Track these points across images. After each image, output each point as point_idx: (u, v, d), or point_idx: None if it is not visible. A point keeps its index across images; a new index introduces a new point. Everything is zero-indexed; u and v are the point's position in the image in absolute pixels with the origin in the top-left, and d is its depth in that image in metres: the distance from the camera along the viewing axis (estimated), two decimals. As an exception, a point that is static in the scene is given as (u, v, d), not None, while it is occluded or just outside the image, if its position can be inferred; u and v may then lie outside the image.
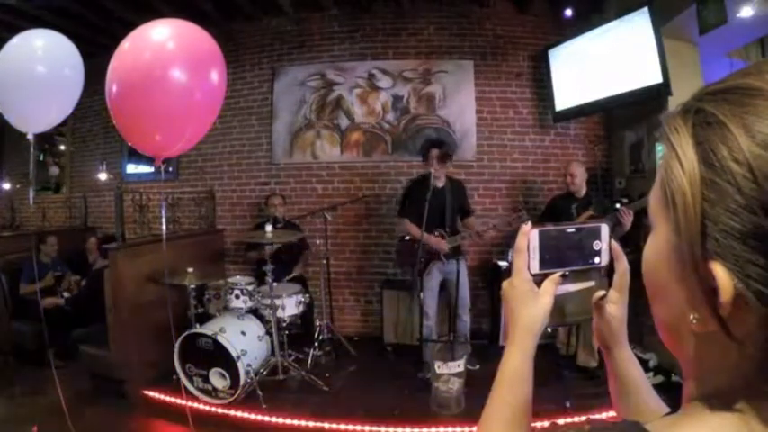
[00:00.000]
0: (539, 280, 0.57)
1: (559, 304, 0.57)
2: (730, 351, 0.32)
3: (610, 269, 0.59)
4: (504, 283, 0.58)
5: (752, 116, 0.29)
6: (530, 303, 0.56)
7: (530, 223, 0.57)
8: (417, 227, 3.34)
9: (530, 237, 0.56)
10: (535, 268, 0.56)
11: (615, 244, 0.57)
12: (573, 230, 0.58)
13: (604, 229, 0.58)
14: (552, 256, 0.57)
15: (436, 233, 3.17)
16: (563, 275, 0.57)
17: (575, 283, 0.58)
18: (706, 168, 0.31)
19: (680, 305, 0.34)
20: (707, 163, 0.31)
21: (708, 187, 0.30)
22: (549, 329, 0.56)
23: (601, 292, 0.58)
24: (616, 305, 0.58)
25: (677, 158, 0.32)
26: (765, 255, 0.28)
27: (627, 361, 0.59)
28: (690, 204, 0.31)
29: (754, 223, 0.28)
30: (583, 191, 3.34)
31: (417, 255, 3.08)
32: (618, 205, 2.95)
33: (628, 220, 2.88)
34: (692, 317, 0.33)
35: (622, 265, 0.57)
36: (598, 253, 0.58)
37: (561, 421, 2.45)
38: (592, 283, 0.59)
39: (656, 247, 0.37)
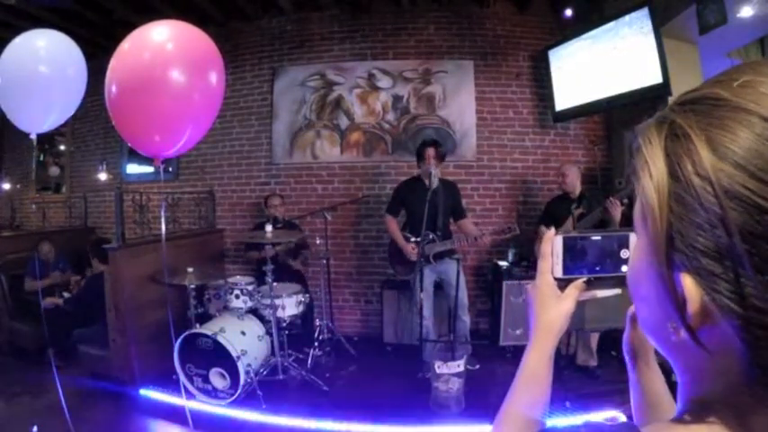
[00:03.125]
0: (563, 285, 0.58)
1: (583, 310, 0.58)
2: (709, 361, 0.32)
3: None
4: (529, 285, 0.60)
5: (716, 129, 0.29)
6: (551, 306, 0.57)
7: (553, 229, 0.58)
8: (397, 226, 3.36)
9: (553, 243, 0.57)
10: (558, 273, 0.58)
11: None
12: (598, 238, 0.58)
13: (633, 238, 0.57)
14: (576, 263, 0.58)
15: (431, 236, 3.16)
16: (587, 281, 0.58)
17: (602, 290, 0.59)
18: (674, 182, 0.30)
19: (659, 310, 0.35)
20: (674, 176, 0.30)
21: (675, 201, 0.30)
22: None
23: None
24: None
25: (648, 171, 0.32)
26: (729, 270, 0.28)
27: (652, 373, 0.59)
28: (658, 218, 0.31)
29: (716, 239, 0.28)
30: (578, 190, 3.35)
31: (418, 254, 3.09)
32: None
33: (616, 210, 2.88)
34: (669, 325, 0.33)
35: None
36: (626, 261, 0.57)
37: (559, 422, 2.45)
38: (618, 291, 0.59)
39: (637, 255, 0.37)
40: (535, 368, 0.57)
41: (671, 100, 3.11)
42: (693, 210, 0.29)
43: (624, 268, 0.58)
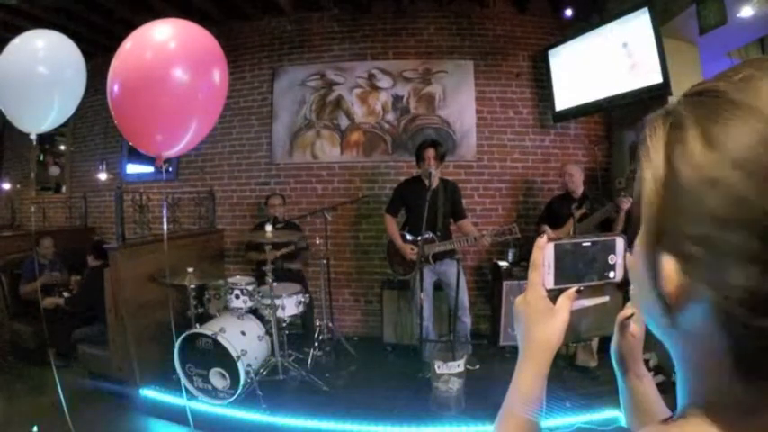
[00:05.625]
0: (553, 295, 0.55)
1: (574, 320, 0.55)
2: (700, 352, 0.32)
3: (623, 283, 0.58)
4: (518, 299, 0.57)
5: (710, 121, 0.29)
6: (546, 321, 0.54)
7: (545, 237, 0.56)
8: (396, 227, 3.35)
9: (545, 251, 0.55)
10: (550, 283, 0.55)
11: None
12: (588, 244, 0.56)
13: (619, 243, 0.57)
14: (567, 271, 0.55)
15: (429, 235, 3.15)
16: (578, 291, 0.56)
17: (589, 299, 0.57)
18: (668, 170, 0.31)
19: (650, 296, 0.35)
20: (669, 164, 0.31)
21: (667, 189, 0.31)
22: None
23: (628, 312, 0.57)
24: (636, 323, 0.57)
25: (649, 158, 0.33)
26: (711, 257, 0.29)
27: (643, 378, 0.59)
28: (652, 203, 0.33)
29: (700, 226, 0.29)
30: (580, 190, 3.35)
31: (418, 254, 3.09)
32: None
33: (626, 204, 2.90)
34: (657, 307, 0.34)
35: None
36: (613, 267, 0.57)
37: (558, 423, 2.45)
38: (606, 299, 0.58)
39: (637, 241, 0.38)
40: (532, 388, 0.53)
41: (671, 99, 3.13)
42: (681, 196, 0.30)
43: (612, 274, 0.57)
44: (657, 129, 0.34)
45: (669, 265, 0.31)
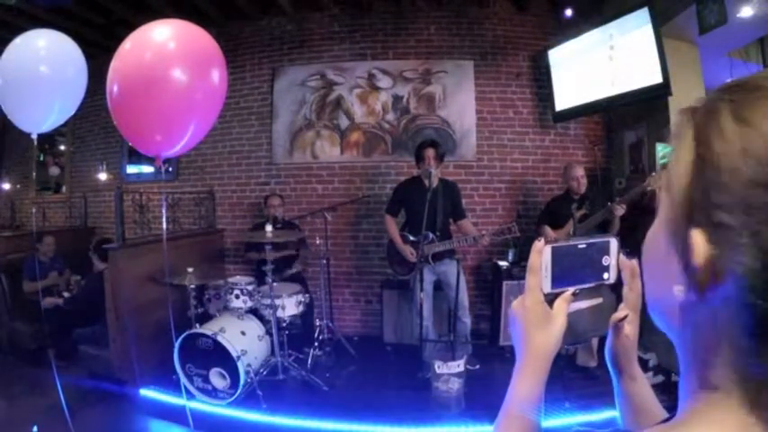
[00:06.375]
0: (550, 299, 0.55)
1: (571, 322, 0.56)
2: (714, 335, 0.32)
3: (616, 284, 0.58)
4: (516, 303, 0.57)
5: (740, 103, 0.31)
6: (544, 326, 0.54)
7: (542, 240, 0.55)
8: (396, 227, 3.35)
9: (542, 255, 0.55)
10: (547, 287, 0.55)
11: (633, 262, 0.55)
12: (584, 246, 0.56)
13: (613, 244, 0.57)
14: (564, 274, 0.55)
15: (430, 236, 3.15)
16: (574, 293, 0.56)
17: (585, 301, 0.57)
18: (699, 149, 0.33)
19: (669, 278, 0.35)
20: (700, 144, 0.33)
21: (697, 166, 0.33)
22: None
23: (622, 313, 0.57)
24: (630, 324, 0.58)
25: (680, 141, 0.35)
26: (746, 220, 0.29)
27: (637, 380, 0.59)
28: (681, 183, 0.34)
29: (732, 194, 0.30)
30: (582, 190, 3.35)
31: (417, 255, 3.09)
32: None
33: (619, 211, 2.91)
34: (676, 288, 0.34)
35: (637, 284, 0.56)
36: (607, 269, 0.57)
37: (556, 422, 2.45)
38: (600, 300, 0.58)
39: (655, 223, 0.39)
40: (530, 393, 0.53)
41: (671, 99, 3.13)
42: (712, 170, 0.32)
43: (606, 275, 0.57)
44: (688, 119, 0.36)
45: (698, 239, 0.32)
